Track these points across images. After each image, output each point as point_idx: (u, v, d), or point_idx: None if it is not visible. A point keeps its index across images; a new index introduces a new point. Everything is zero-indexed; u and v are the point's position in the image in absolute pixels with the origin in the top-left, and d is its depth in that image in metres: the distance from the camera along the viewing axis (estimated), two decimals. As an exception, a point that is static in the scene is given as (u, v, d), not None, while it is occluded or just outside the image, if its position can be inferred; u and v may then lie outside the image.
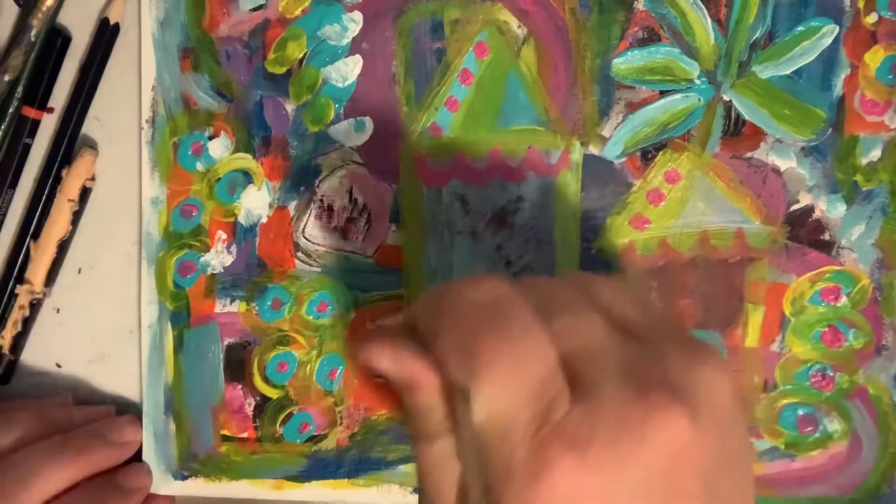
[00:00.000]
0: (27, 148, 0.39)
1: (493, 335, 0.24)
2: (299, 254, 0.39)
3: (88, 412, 0.38)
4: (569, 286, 0.28)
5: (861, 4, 0.36)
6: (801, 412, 0.37)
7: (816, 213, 0.37)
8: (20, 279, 0.39)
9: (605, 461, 0.22)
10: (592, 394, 0.23)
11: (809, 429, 0.37)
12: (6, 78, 0.38)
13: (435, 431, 0.27)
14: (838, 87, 0.36)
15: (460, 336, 0.25)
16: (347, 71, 0.38)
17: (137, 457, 0.39)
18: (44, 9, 0.38)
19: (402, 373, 0.27)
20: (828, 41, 0.36)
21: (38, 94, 0.39)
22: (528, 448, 0.23)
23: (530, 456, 0.23)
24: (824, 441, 0.37)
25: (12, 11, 0.39)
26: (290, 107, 0.38)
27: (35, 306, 0.39)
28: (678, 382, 0.23)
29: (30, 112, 0.39)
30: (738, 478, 0.24)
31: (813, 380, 0.37)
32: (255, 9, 0.38)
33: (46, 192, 0.39)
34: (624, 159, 0.37)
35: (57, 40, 0.39)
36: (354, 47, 0.38)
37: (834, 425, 0.37)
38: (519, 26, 0.37)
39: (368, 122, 0.38)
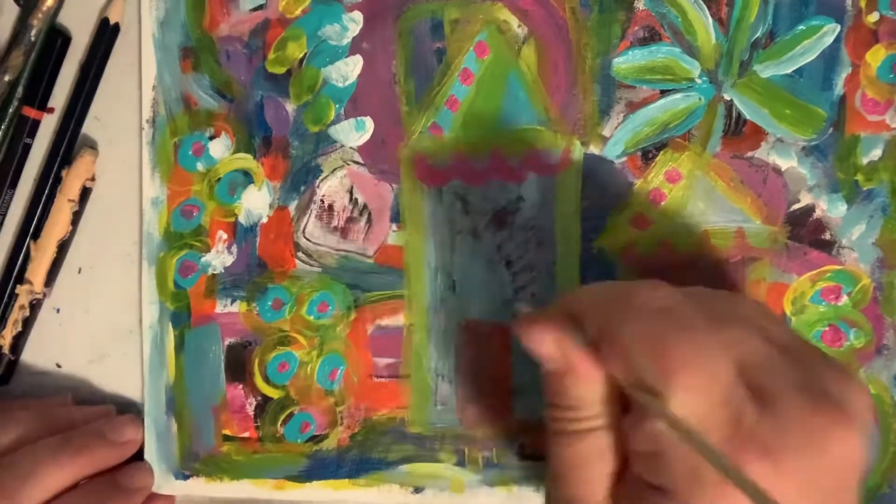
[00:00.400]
0: (27, 148, 0.39)
1: (681, 339, 0.26)
2: (300, 254, 0.39)
3: (89, 412, 0.38)
4: (722, 300, 0.29)
5: (862, 3, 0.36)
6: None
7: (817, 213, 0.36)
8: (20, 279, 0.39)
9: (795, 469, 0.24)
10: (776, 404, 0.25)
11: (810, 428, 0.37)
12: (6, 78, 0.38)
13: (587, 427, 0.27)
14: (839, 87, 0.36)
15: (647, 338, 0.26)
16: (348, 71, 0.38)
17: (139, 456, 0.39)
18: (44, 9, 0.38)
19: (564, 360, 0.28)
20: (829, 40, 0.36)
21: (38, 94, 0.39)
22: (724, 452, 0.24)
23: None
24: (825, 440, 0.37)
25: (12, 11, 0.39)
26: (290, 107, 0.38)
27: (35, 306, 0.39)
28: (839, 397, 0.25)
29: (30, 112, 0.39)
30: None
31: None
32: (256, 9, 0.38)
33: (46, 192, 0.39)
34: (624, 159, 0.37)
35: (57, 40, 0.39)
36: (355, 47, 0.38)
37: (834, 425, 0.37)
38: (519, 26, 0.37)
39: (369, 122, 0.38)
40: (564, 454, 0.28)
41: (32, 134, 0.39)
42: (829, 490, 0.24)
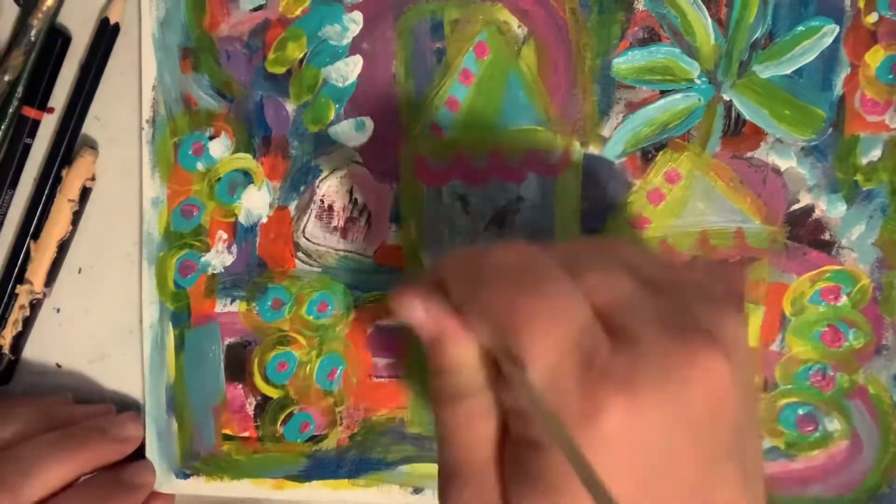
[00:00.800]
0: (27, 148, 0.39)
1: (529, 293, 0.25)
2: (299, 254, 0.39)
3: (89, 409, 0.38)
4: (591, 247, 0.28)
5: (861, 4, 0.36)
6: (801, 412, 0.37)
7: (816, 213, 0.37)
8: (20, 279, 0.39)
9: (655, 401, 0.23)
10: (633, 340, 0.24)
11: (810, 428, 0.37)
12: (6, 78, 0.38)
13: (464, 391, 0.27)
14: (838, 87, 0.36)
15: (498, 297, 0.26)
16: (348, 71, 0.38)
17: (140, 455, 0.39)
18: (44, 9, 0.38)
19: (435, 325, 0.27)
20: (828, 41, 0.36)
21: (38, 94, 0.39)
22: (579, 394, 0.23)
23: (582, 400, 0.23)
24: (824, 441, 0.37)
25: (12, 11, 0.39)
26: (290, 107, 0.38)
27: (35, 306, 0.39)
28: (710, 326, 0.24)
29: (30, 112, 0.39)
30: (755, 435, 0.25)
31: (813, 379, 0.37)
32: (256, 9, 0.38)
33: (46, 192, 0.39)
34: (624, 159, 0.37)
35: (57, 40, 0.39)
36: (354, 47, 0.38)
37: (834, 425, 0.37)
38: (519, 26, 0.37)
39: (368, 122, 0.38)
40: (445, 418, 0.27)
41: (32, 134, 0.39)
42: (701, 421, 0.23)
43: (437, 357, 0.28)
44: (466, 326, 0.27)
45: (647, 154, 0.37)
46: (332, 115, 0.38)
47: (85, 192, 0.39)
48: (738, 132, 0.37)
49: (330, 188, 0.38)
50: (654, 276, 0.27)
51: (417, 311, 0.27)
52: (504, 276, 0.26)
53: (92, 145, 0.40)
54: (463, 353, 0.27)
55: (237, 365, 0.39)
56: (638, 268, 0.27)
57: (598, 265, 0.26)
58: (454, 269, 0.28)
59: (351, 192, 0.38)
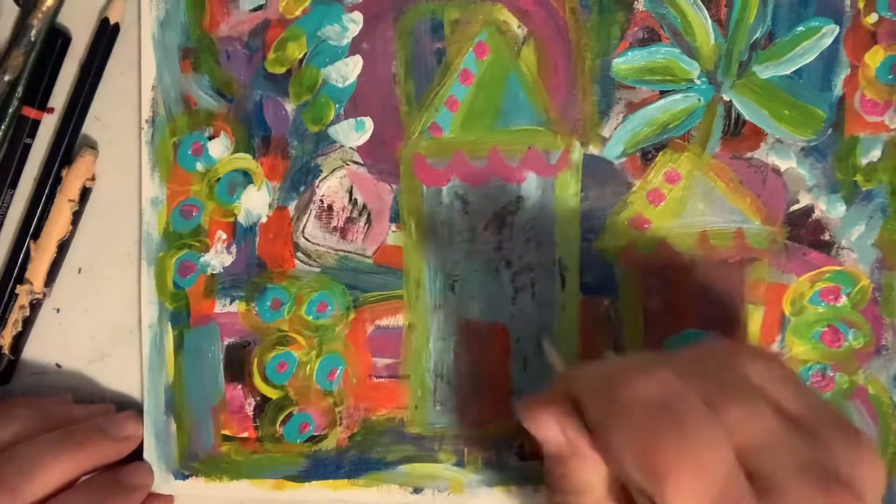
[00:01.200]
0: (27, 148, 0.39)
1: (673, 438, 0.25)
2: (299, 254, 0.39)
3: (88, 409, 0.38)
4: (727, 367, 0.28)
5: (861, 4, 0.36)
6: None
7: (816, 214, 0.37)
8: (20, 279, 0.39)
9: None
10: (776, 491, 0.24)
11: (809, 429, 0.37)
12: (6, 78, 0.38)
13: None
14: (838, 88, 0.36)
15: (639, 434, 0.25)
16: (347, 71, 0.38)
17: (138, 455, 0.39)
18: (44, 9, 0.38)
19: (569, 447, 0.28)
20: (828, 41, 0.36)
21: (38, 94, 0.39)
22: None
23: None
24: (824, 441, 0.37)
25: (12, 11, 0.39)
26: (290, 107, 0.38)
27: (35, 306, 0.39)
28: (849, 478, 0.25)
29: (30, 112, 0.39)
30: None
31: (813, 380, 0.37)
32: (256, 9, 0.38)
33: (46, 192, 0.39)
34: (624, 159, 0.37)
35: (57, 40, 0.39)
36: (354, 47, 0.38)
37: (834, 425, 0.37)
38: (519, 26, 0.37)
39: (368, 122, 0.38)
40: None
41: (32, 134, 0.39)
42: None
43: (566, 475, 0.28)
44: (601, 450, 0.27)
45: (646, 154, 0.37)
46: (331, 115, 0.38)
47: (85, 192, 0.39)
48: (738, 132, 0.37)
49: (330, 188, 0.38)
50: (792, 405, 0.26)
51: (552, 431, 0.28)
52: (646, 410, 0.26)
53: (92, 145, 0.40)
54: (595, 472, 0.27)
55: (236, 365, 0.39)
56: (777, 398, 0.27)
57: (741, 398, 0.26)
58: (590, 387, 0.28)
59: (351, 192, 0.38)
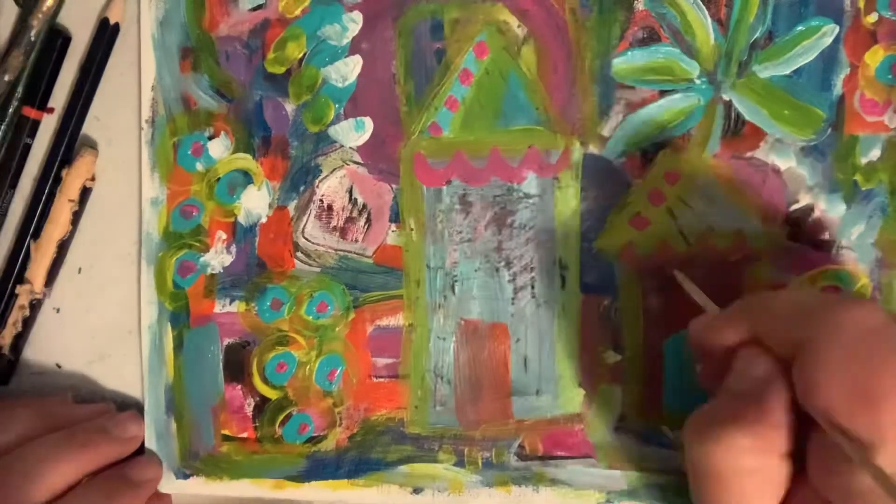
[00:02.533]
0: (27, 148, 0.39)
1: (893, 362, 0.24)
2: (299, 254, 0.39)
3: (89, 409, 0.38)
4: None
5: (861, 4, 0.36)
6: (801, 412, 0.37)
7: (816, 213, 0.36)
8: (20, 279, 0.39)
9: None
10: None
11: (809, 429, 0.37)
12: (6, 78, 0.38)
13: (778, 450, 0.27)
14: (838, 87, 0.36)
15: (855, 357, 0.25)
16: (347, 71, 0.38)
17: (140, 454, 0.39)
18: (44, 9, 0.38)
19: (765, 373, 0.27)
20: (828, 41, 0.36)
21: (38, 94, 0.39)
22: None
23: None
24: (824, 441, 0.37)
25: (12, 11, 0.39)
26: (289, 107, 0.38)
27: (35, 306, 0.39)
28: None
29: (30, 112, 0.39)
30: None
31: (813, 380, 0.37)
32: (255, 8, 0.38)
33: (46, 192, 0.39)
34: (624, 159, 0.37)
35: (57, 40, 0.39)
36: (354, 47, 0.38)
37: (834, 425, 0.37)
38: (519, 26, 0.37)
39: (368, 122, 0.38)
40: (747, 470, 0.27)
41: (32, 134, 0.39)
42: None
43: (765, 411, 0.27)
44: (798, 378, 0.26)
45: (646, 154, 0.37)
46: (331, 115, 0.38)
47: (85, 192, 0.39)
48: (738, 132, 0.37)
49: (329, 188, 0.38)
50: None
51: (752, 359, 0.28)
52: (864, 334, 0.26)
53: (92, 145, 0.40)
54: (787, 414, 0.27)
55: (236, 365, 0.39)
56: None
57: None
58: (786, 316, 0.28)
59: (350, 192, 0.38)
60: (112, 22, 0.39)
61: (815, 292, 0.29)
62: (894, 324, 0.26)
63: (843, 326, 0.26)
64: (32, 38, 0.38)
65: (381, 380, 0.38)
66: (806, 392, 0.26)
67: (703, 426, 0.28)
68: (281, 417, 0.39)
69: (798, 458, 0.28)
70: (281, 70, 0.38)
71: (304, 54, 0.38)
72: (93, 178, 0.39)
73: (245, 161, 0.39)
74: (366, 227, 0.38)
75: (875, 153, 0.36)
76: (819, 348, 0.26)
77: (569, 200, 0.37)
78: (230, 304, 0.39)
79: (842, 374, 0.25)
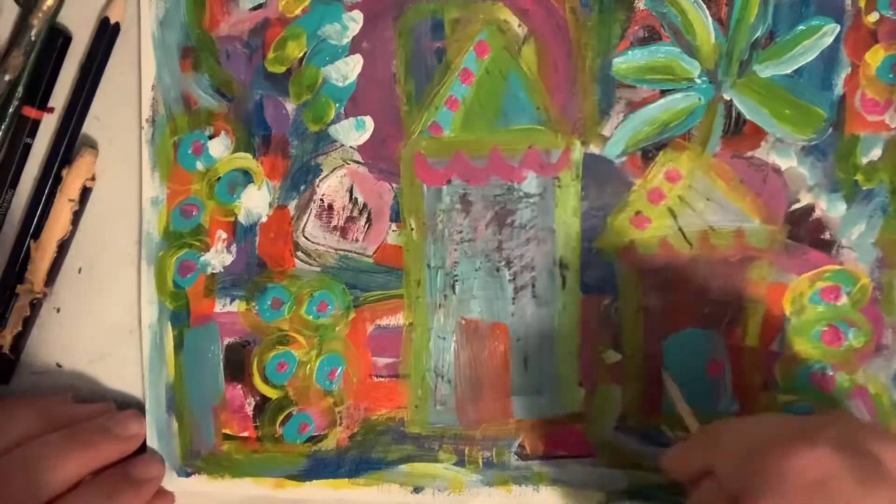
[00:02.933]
0: (27, 148, 0.39)
1: None
2: (299, 253, 0.39)
3: (90, 409, 0.38)
4: (871, 448, 0.28)
5: (862, 3, 0.36)
6: (801, 411, 0.37)
7: (817, 213, 0.36)
8: (20, 279, 0.39)
9: None
10: None
11: (809, 428, 0.37)
12: (6, 78, 0.38)
13: None
14: (839, 87, 0.36)
15: None
16: (348, 70, 0.38)
17: (142, 452, 0.39)
18: (44, 9, 0.38)
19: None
20: (828, 40, 0.36)
21: (39, 93, 0.39)
22: None
23: None
24: (824, 440, 0.37)
25: (12, 11, 0.39)
26: (290, 106, 0.38)
27: (35, 306, 0.39)
28: None
29: (30, 112, 0.39)
30: None
31: (813, 379, 0.37)
32: (256, 8, 0.38)
33: (46, 192, 0.39)
34: (624, 158, 0.37)
35: (57, 40, 0.39)
36: (354, 46, 0.38)
37: (834, 424, 0.37)
38: (519, 25, 0.37)
39: (369, 122, 0.38)
40: None
41: (32, 134, 0.39)
42: None
43: None
44: None
45: (647, 153, 0.37)
46: (332, 115, 0.38)
47: (85, 192, 0.39)
48: (739, 132, 0.37)
49: (330, 187, 0.38)
50: None
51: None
52: (804, 486, 0.26)
53: (92, 145, 0.40)
54: None
55: (236, 365, 0.39)
56: None
57: (890, 483, 0.27)
58: (737, 454, 0.29)
59: (351, 192, 0.38)
60: (112, 21, 0.39)
61: (771, 429, 0.30)
62: (845, 472, 0.27)
63: (786, 477, 0.27)
64: (33, 38, 0.38)
65: (382, 379, 0.38)
66: None
67: None
68: (281, 417, 0.39)
69: None
70: (281, 69, 0.38)
71: (305, 54, 0.38)
72: (93, 178, 0.39)
73: (245, 160, 0.39)
74: (366, 226, 0.38)
75: (876, 153, 0.36)
76: (759, 498, 0.27)
77: (569, 200, 0.37)
78: (230, 303, 0.39)
79: None
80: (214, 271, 0.39)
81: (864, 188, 0.36)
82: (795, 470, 0.27)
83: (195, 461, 0.39)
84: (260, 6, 0.38)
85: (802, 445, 0.27)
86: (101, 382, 0.40)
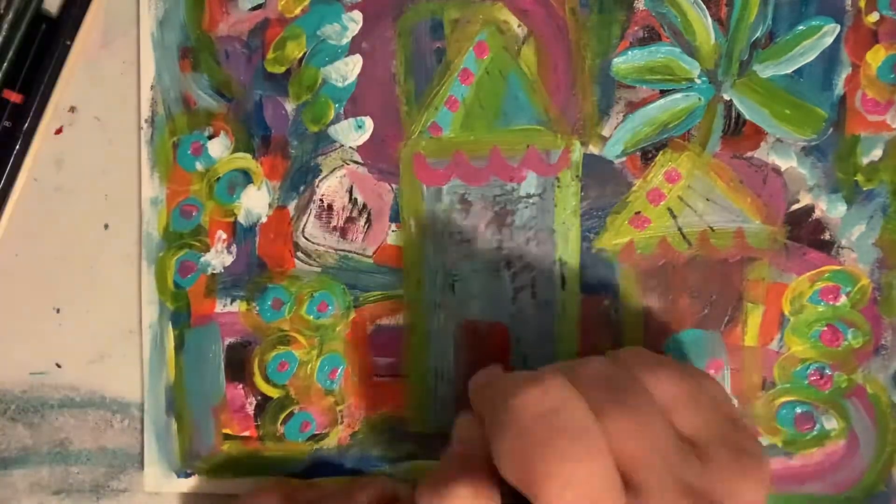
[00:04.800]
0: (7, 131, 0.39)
1: (548, 448, 0.26)
2: (299, 253, 0.39)
3: (336, 486, 0.37)
4: (632, 379, 0.29)
5: (862, 3, 0.36)
6: (799, 410, 0.37)
7: (816, 213, 0.37)
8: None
9: None
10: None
11: (807, 427, 0.37)
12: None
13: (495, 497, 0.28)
14: (839, 87, 0.36)
15: (518, 446, 0.26)
16: (347, 70, 0.38)
17: (140, 459, 0.39)
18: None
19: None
20: (829, 40, 0.36)
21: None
22: None
23: None
24: (822, 439, 0.37)
25: None
26: (289, 106, 0.38)
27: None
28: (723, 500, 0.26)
29: (10, 95, 0.38)
30: None
31: (811, 378, 0.37)
32: (255, 8, 0.38)
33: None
34: (624, 159, 0.37)
35: (41, 24, 0.38)
36: (354, 47, 0.38)
37: (832, 423, 0.37)
38: (519, 26, 0.37)
39: (368, 122, 0.38)
40: None
41: (11, 117, 0.39)
42: None
43: (474, 465, 0.29)
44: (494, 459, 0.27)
45: (647, 154, 0.37)
46: (331, 115, 0.38)
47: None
48: (739, 132, 0.37)
49: (329, 188, 0.38)
50: (690, 423, 0.28)
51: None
52: (531, 419, 0.27)
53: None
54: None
55: (237, 365, 0.39)
56: (673, 415, 0.28)
57: (631, 409, 0.27)
58: (483, 397, 0.30)
59: (350, 192, 0.38)
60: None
61: (514, 374, 0.30)
62: (568, 404, 0.27)
63: (514, 412, 0.27)
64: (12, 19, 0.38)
65: (382, 378, 0.39)
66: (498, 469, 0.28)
67: (429, 487, 0.29)
68: (283, 416, 0.39)
69: None
70: (281, 70, 0.38)
71: (304, 54, 0.38)
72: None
73: (245, 161, 0.38)
74: (366, 226, 0.38)
75: (877, 153, 0.36)
76: (495, 435, 0.27)
77: (569, 200, 0.37)
78: (231, 303, 0.39)
79: (510, 461, 0.26)
80: (215, 272, 0.39)
81: (865, 189, 0.36)
82: (521, 406, 0.27)
83: (195, 462, 0.39)
84: (259, 6, 0.38)
85: (530, 381, 0.28)
86: (101, 383, 0.40)
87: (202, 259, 0.39)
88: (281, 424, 0.39)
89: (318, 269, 0.38)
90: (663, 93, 0.37)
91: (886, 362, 0.36)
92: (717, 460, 0.27)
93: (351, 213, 0.38)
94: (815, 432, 0.37)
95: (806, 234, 0.37)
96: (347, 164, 0.38)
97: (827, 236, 0.36)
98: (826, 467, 0.37)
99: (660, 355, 0.32)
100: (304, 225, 0.38)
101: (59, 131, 0.39)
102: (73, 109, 0.39)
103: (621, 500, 0.25)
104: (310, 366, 0.39)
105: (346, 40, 0.38)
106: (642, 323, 0.37)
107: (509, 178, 0.37)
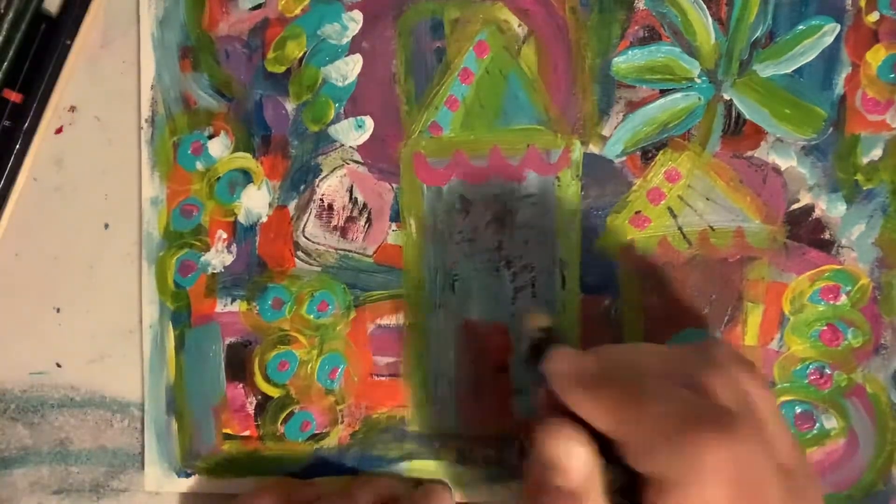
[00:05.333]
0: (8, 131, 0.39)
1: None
2: (299, 253, 0.39)
3: (332, 485, 0.38)
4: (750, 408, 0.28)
5: (862, 3, 0.36)
6: (798, 409, 0.37)
7: (816, 213, 0.37)
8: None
9: None
10: None
11: (807, 426, 0.37)
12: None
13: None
14: (839, 86, 0.36)
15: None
16: (347, 70, 0.38)
17: (141, 459, 0.39)
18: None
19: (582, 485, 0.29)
20: (829, 40, 0.36)
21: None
22: None
23: None
24: (821, 438, 0.37)
25: None
26: (289, 106, 0.38)
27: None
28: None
29: (10, 95, 0.38)
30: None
31: (811, 377, 0.37)
32: (255, 8, 0.38)
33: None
34: (624, 158, 0.37)
35: (41, 23, 0.38)
36: (354, 46, 0.38)
37: (831, 423, 0.37)
38: (519, 25, 0.37)
39: (368, 122, 0.38)
40: None
41: (12, 117, 0.39)
42: None
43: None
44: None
45: (647, 153, 0.37)
46: (331, 114, 0.38)
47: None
48: (739, 131, 0.37)
49: (330, 187, 0.38)
50: (786, 456, 0.28)
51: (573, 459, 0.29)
52: (723, 479, 0.26)
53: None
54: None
55: (238, 364, 0.39)
56: (776, 443, 0.28)
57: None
58: (645, 436, 0.28)
59: (351, 192, 0.38)
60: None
61: (689, 408, 0.28)
62: (760, 457, 0.27)
63: (709, 468, 0.26)
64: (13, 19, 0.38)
65: (383, 378, 0.39)
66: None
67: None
68: (283, 415, 0.39)
69: None
70: (281, 69, 0.38)
71: (304, 53, 0.38)
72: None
73: (245, 160, 0.38)
74: (366, 226, 0.38)
75: (876, 152, 0.36)
76: (686, 486, 0.26)
77: (569, 200, 0.37)
78: (231, 303, 0.39)
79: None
80: (215, 271, 0.39)
81: (865, 188, 0.36)
82: (711, 462, 0.26)
83: (195, 461, 0.39)
84: (259, 6, 0.38)
85: (714, 433, 0.26)
86: (101, 383, 0.40)
87: (202, 259, 0.39)
88: (281, 424, 0.39)
89: (319, 269, 0.38)
90: (663, 92, 0.37)
91: (886, 361, 0.36)
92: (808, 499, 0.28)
93: (351, 212, 0.38)
94: (814, 431, 0.37)
95: (806, 233, 0.37)
96: (348, 164, 0.38)
97: (827, 236, 0.37)
98: (826, 466, 0.37)
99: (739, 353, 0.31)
100: (305, 224, 0.38)
101: (59, 131, 0.39)
102: (73, 109, 0.39)
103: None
104: (310, 365, 0.39)
105: (346, 40, 0.38)
106: (642, 322, 0.37)
107: (509, 177, 0.37)
